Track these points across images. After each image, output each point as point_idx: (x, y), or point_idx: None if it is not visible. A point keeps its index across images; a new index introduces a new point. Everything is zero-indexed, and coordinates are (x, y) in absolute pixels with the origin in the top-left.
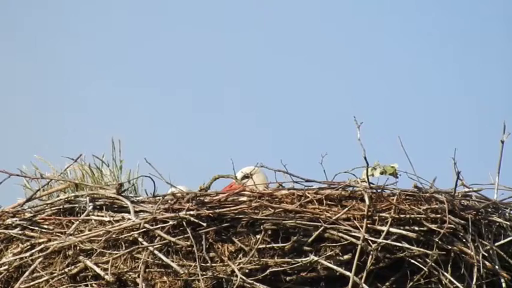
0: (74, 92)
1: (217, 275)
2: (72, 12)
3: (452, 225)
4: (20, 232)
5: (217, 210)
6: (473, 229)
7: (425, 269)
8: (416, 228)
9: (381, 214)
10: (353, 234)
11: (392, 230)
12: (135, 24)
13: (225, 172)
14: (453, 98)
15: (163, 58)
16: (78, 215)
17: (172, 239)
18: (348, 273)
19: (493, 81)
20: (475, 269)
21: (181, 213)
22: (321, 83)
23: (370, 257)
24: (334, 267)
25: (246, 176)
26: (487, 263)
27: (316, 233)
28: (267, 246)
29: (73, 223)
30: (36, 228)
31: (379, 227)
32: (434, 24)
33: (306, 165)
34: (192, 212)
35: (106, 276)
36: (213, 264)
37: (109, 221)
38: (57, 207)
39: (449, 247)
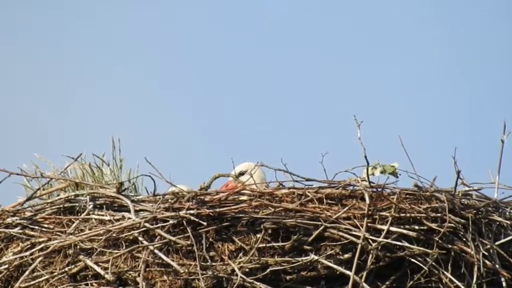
0: (75, 92)
1: (218, 274)
2: (73, 12)
3: (453, 224)
4: (20, 231)
5: (217, 210)
6: (473, 228)
7: (426, 268)
8: (417, 227)
9: (381, 213)
10: (353, 233)
11: (392, 229)
12: (135, 24)
13: (225, 171)
14: (453, 97)
15: (164, 58)
16: (79, 214)
17: (173, 238)
18: (348, 272)
19: (493, 80)
20: (475, 268)
21: (182, 213)
22: (321, 81)
23: (371, 256)
24: (335, 266)
25: (242, 173)
26: (487, 262)
27: (317, 232)
28: (267, 245)
29: (73, 222)
30: (37, 227)
31: (379, 226)
32: (435, 23)
33: (306, 164)
34: (192, 211)
35: (106, 276)
36: (213, 264)
37: (109, 220)
38: (57, 206)
39: (450, 246)
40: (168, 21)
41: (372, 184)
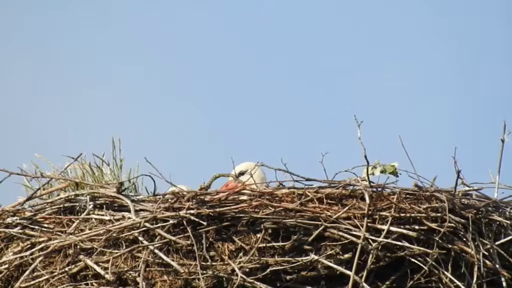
0: (75, 92)
1: (218, 274)
2: (73, 12)
3: (453, 224)
4: (20, 231)
5: (217, 209)
6: (473, 228)
7: (426, 268)
8: (417, 227)
9: (381, 213)
10: (353, 233)
11: (392, 228)
12: (135, 24)
13: (225, 171)
14: (453, 97)
15: (164, 57)
16: (79, 214)
17: (173, 238)
18: (348, 272)
19: (493, 80)
20: (476, 268)
21: (182, 212)
22: (322, 81)
23: (371, 256)
24: (335, 266)
25: (242, 173)
26: (488, 262)
27: (317, 231)
28: (268, 245)
29: (73, 222)
30: (37, 227)
31: (379, 226)
32: (435, 22)
33: (306, 164)
34: (192, 211)
35: (106, 276)
36: (213, 263)
37: (109, 220)
38: (57, 206)
39: (450, 246)
40: (168, 22)
41: (372, 184)
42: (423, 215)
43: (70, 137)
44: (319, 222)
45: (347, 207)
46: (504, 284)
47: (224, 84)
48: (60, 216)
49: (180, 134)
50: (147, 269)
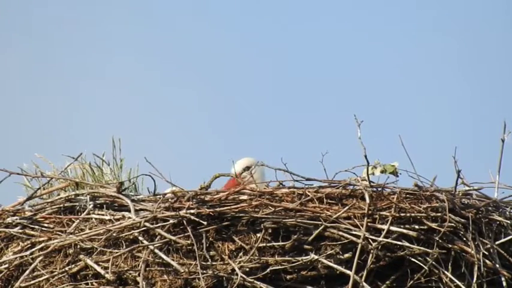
0: (75, 92)
1: (218, 273)
2: (72, 12)
3: (453, 224)
4: (20, 231)
5: (217, 209)
6: (473, 228)
7: (426, 267)
8: (417, 226)
9: (381, 213)
10: (353, 232)
11: (392, 228)
12: (134, 23)
13: (225, 171)
14: (453, 97)
15: (164, 56)
16: (79, 214)
17: (173, 238)
18: (348, 271)
19: (493, 80)
20: (476, 268)
21: (182, 212)
22: (321, 81)
23: (371, 255)
24: (335, 265)
25: (247, 168)
26: (488, 262)
27: (317, 231)
28: (268, 244)
29: (73, 222)
30: (37, 226)
31: (379, 226)
32: (435, 22)
33: (306, 163)
34: (192, 211)
35: (106, 275)
36: (214, 263)
37: (109, 220)
38: (57, 206)
39: (450, 246)
40: (169, 20)
41: (372, 183)
42: (423, 214)
43: (70, 137)
44: (319, 222)
45: (347, 207)
46: (504, 283)
47: (224, 83)
48: (60, 216)
49: (180, 134)
50: (147, 268)
